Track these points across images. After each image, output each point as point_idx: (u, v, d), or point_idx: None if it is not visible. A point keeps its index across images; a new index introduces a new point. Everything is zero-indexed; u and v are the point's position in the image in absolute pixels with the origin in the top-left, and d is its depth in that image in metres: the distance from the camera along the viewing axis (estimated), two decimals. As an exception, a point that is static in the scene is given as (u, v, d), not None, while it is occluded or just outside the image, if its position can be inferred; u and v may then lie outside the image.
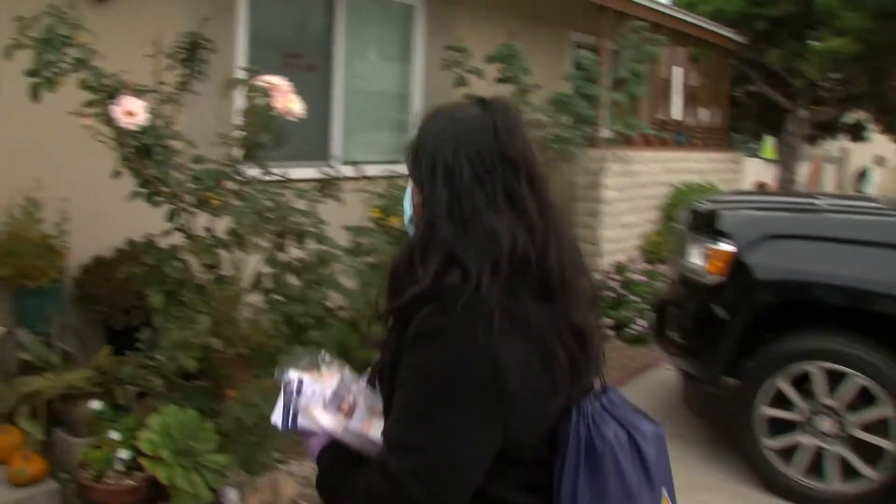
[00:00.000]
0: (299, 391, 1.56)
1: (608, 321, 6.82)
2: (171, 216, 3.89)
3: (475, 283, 1.34)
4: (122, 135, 3.48)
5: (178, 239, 3.98)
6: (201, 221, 3.92)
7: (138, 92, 3.64)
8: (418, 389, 1.35)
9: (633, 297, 7.12)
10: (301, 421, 1.54)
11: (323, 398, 1.54)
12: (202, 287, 3.86)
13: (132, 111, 3.35)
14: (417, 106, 6.70)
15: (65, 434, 3.99)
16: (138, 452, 3.53)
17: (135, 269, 3.94)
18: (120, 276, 3.94)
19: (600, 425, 1.42)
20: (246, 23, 5.43)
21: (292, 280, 3.71)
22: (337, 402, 1.54)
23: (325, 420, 1.51)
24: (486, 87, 5.46)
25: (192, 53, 4.35)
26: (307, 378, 1.58)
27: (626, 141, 7.50)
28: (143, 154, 3.63)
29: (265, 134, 3.37)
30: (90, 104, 3.61)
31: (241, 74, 3.78)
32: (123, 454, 3.55)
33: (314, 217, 3.65)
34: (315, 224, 3.58)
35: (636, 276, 7.35)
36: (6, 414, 4.05)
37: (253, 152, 3.48)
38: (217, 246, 3.86)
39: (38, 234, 4.44)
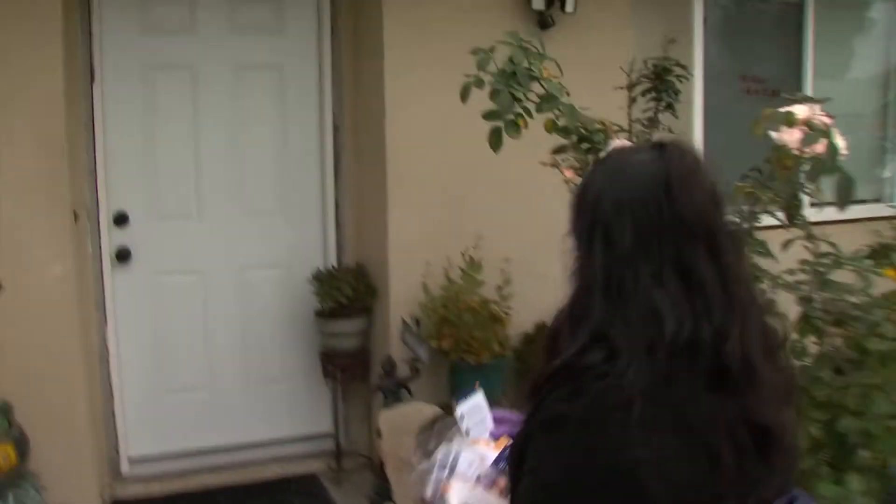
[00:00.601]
0: (453, 465, 1.50)
1: None
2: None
3: (622, 368, 1.11)
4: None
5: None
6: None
7: (617, 132, 2.88)
8: (540, 482, 1.17)
9: None
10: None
11: (478, 470, 1.47)
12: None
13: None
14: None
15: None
16: None
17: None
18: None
19: None
20: (701, 44, 4.54)
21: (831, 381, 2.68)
22: (494, 476, 1.45)
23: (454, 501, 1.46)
24: None
25: (661, 82, 3.53)
26: (466, 449, 1.52)
27: None
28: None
29: (818, 179, 2.42)
30: (559, 151, 2.91)
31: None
32: None
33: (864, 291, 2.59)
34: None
35: None
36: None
37: (791, 201, 2.55)
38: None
39: (479, 300, 3.87)
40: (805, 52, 4.97)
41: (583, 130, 2.93)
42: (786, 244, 2.55)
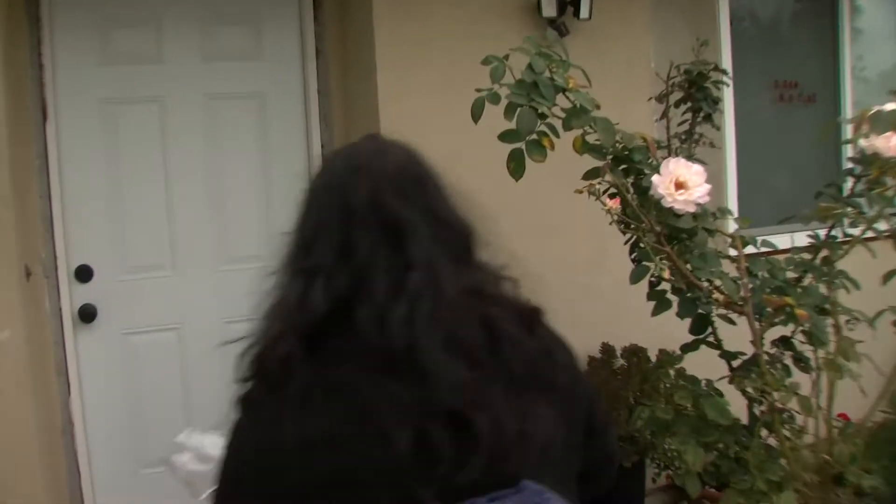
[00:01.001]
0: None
1: None
2: (701, 326, 2.63)
3: (282, 348, 1.14)
4: (660, 216, 2.25)
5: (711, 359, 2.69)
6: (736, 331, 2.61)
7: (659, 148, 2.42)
8: (222, 458, 1.19)
9: None
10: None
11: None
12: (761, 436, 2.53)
13: (686, 181, 2.10)
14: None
15: None
16: None
17: (648, 410, 2.70)
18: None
19: None
20: (729, 48, 4.09)
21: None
22: None
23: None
24: None
25: (697, 90, 3.06)
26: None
27: None
28: (680, 243, 2.37)
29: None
30: (592, 175, 2.43)
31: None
32: None
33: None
34: None
35: None
36: None
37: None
38: (788, 374, 2.50)
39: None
40: (842, 52, 4.53)
41: (620, 148, 2.47)
42: (888, 277, 2.07)
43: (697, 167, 2.17)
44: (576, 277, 3.64)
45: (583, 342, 3.70)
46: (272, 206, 3.80)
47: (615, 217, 2.29)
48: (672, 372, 3.38)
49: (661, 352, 3.56)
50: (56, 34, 3.47)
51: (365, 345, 1.12)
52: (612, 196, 2.45)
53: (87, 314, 3.58)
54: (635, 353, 3.59)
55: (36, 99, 3.42)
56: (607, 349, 3.69)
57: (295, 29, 3.82)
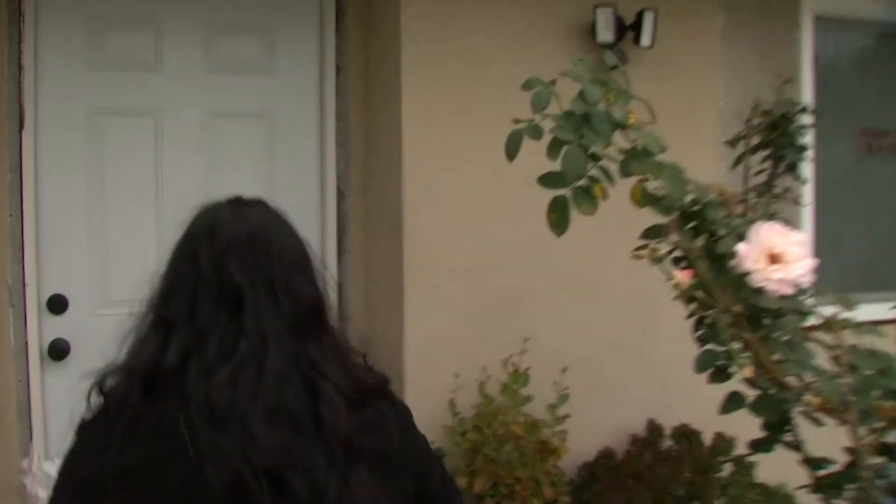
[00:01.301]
0: None
1: None
2: (782, 424, 2.12)
3: (114, 387, 1.29)
4: (741, 293, 1.76)
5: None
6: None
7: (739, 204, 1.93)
8: (51, 490, 1.30)
9: None
10: None
11: None
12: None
13: (783, 254, 1.61)
14: None
15: None
16: None
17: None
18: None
19: None
20: (812, 89, 3.61)
21: None
22: None
23: None
24: None
25: (781, 135, 2.58)
26: None
27: None
28: (763, 327, 1.87)
29: None
30: (652, 234, 1.95)
31: None
32: None
33: None
34: None
35: None
36: None
37: None
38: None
39: (525, 423, 2.91)
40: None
41: (689, 202, 1.98)
42: None
43: (797, 235, 1.67)
44: (622, 342, 3.26)
45: (627, 416, 3.26)
46: (276, 241, 3.38)
47: (683, 293, 1.80)
48: (729, 462, 2.89)
49: (718, 435, 3.06)
50: (41, 32, 3.09)
51: (182, 393, 1.22)
52: (676, 261, 1.97)
53: (57, 351, 3.19)
54: (687, 435, 3.09)
55: (12, 103, 3.04)
56: (654, 427, 3.20)
57: (314, 42, 3.41)
